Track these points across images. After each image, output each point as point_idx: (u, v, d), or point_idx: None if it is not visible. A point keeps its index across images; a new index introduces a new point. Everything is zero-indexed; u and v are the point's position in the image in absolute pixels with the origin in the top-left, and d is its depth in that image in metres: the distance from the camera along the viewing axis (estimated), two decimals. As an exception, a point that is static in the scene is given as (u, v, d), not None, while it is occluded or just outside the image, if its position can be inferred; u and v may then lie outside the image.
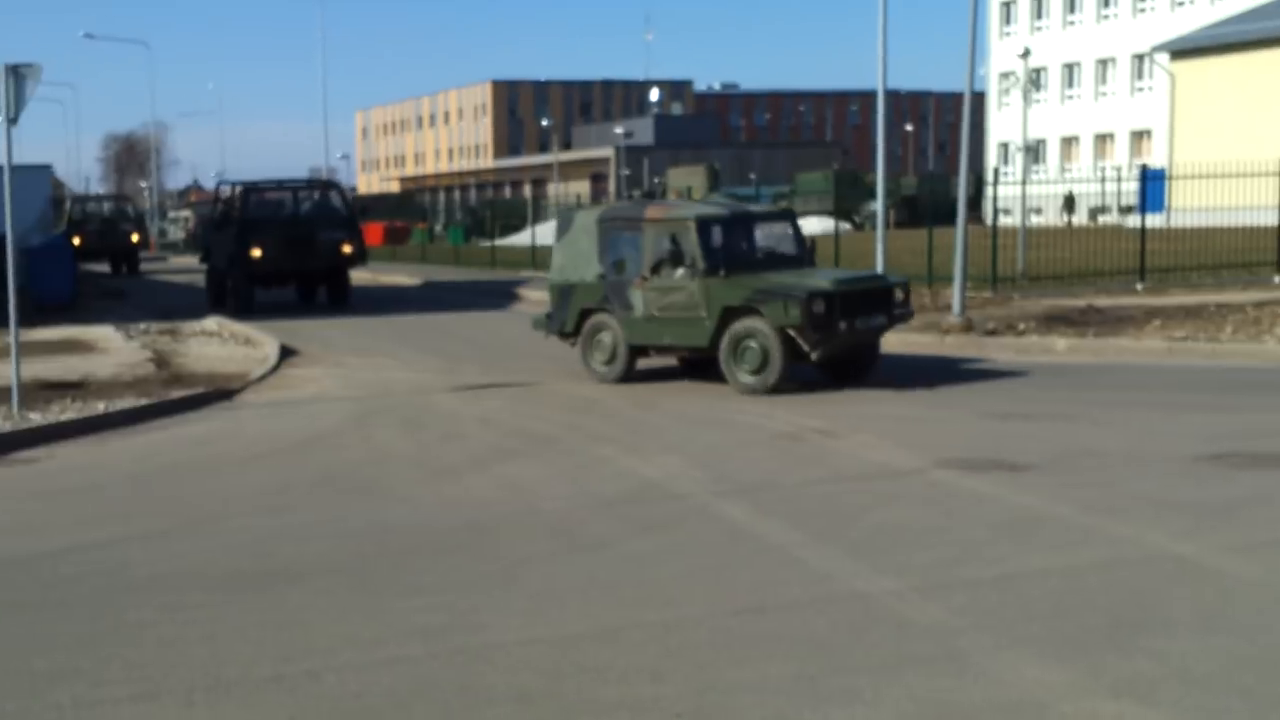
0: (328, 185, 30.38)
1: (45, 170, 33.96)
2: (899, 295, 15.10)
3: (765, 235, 15.73)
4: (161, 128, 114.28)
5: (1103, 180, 31.82)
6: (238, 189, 28.15)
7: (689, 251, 14.75)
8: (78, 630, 6.96)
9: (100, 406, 13.76)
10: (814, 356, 14.26)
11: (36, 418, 13.13)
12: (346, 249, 26.90)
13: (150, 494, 10.50)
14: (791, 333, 14.03)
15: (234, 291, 26.52)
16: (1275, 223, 25.22)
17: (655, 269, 15.08)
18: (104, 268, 45.50)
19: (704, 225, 14.93)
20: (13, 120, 13.90)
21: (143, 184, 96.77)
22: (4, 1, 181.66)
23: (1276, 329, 17.27)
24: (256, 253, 25.95)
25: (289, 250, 26.29)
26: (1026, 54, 34.93)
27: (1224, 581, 7.09)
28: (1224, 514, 8.56)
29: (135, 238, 45.37)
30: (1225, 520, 8.40)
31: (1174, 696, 5.50)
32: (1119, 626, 6.41)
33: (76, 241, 39.98)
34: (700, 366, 15.66)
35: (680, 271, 14.83)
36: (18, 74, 13.86)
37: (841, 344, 14.55)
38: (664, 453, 11.35)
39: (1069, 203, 47.94)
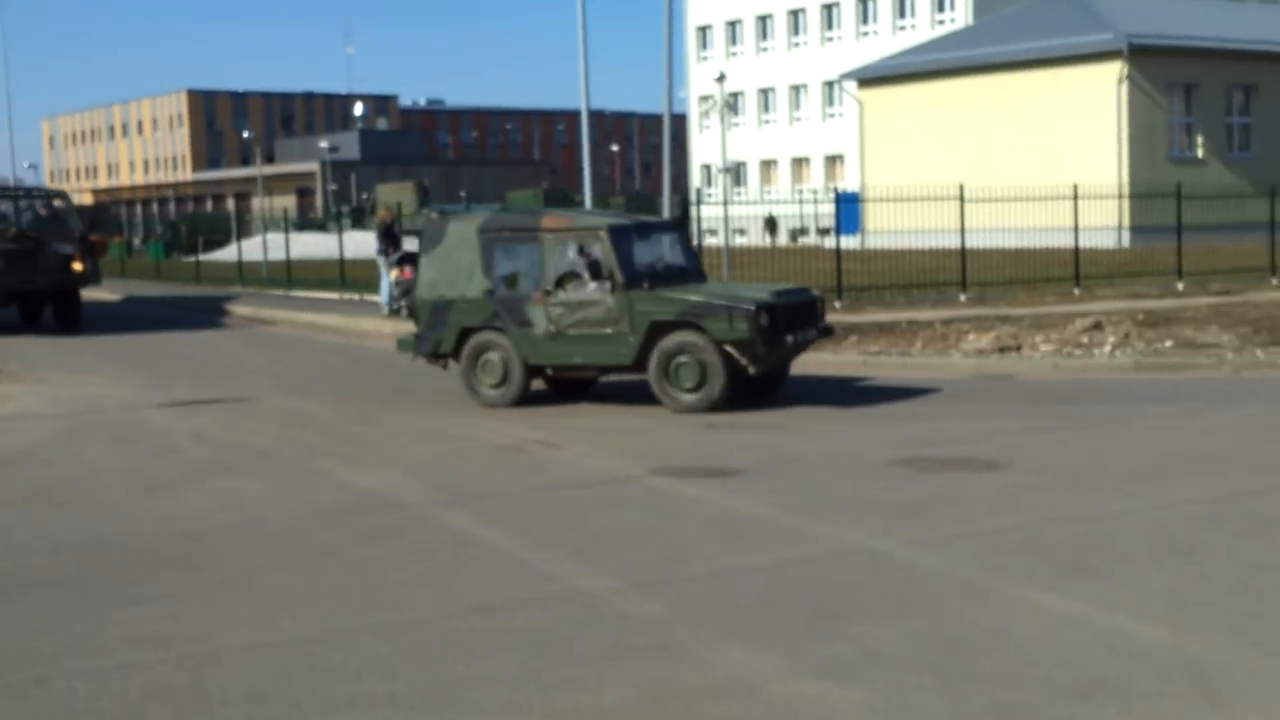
0: (54, 194, 27.77)
1: None
2: (820, 309, 14.96)
3: (662, 247, 15.12)
4: None
5: (800, 202, 33.29)
6: None
7: (605, 263, 14.03)
8: None
9: None
10: (753, 371, 13.82)
11: None
12: (78, 266, 24.18)
13: None
14: (730, 348, 13.60)
15: None
16: (959, 245, 26.89)
17: (559, 282, 14.33)
18: None
19: (618, 235, 14.22)
20: None
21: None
22: None
23: (962, 344, 18.50)
24: None
25: (10, 267, 23.55)
26: (722, 78, 36.26)
27: (913, 572, 7.70)
28: (912, 512, 9.25)
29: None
30: (913, 518, 9.09)
31: (870, 676, 6.00)
32: (820, 615, 6.91)
33: None
34: (578, 386, 15.34)
35: (593, 285, 14.12)
36: None
37: (779, 358, 14.29)
38: (384, 465, 11.48)
39: (770, 224, 49.79)
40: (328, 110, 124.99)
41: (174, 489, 10.72)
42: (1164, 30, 44.91)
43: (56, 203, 26.24)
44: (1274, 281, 28.58)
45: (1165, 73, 43.87)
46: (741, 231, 50.04)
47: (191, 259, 46.78)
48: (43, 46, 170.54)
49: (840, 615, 6.89)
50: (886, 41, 61.23)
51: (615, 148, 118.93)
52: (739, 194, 67.70)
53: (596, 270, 14.04)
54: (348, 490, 10.50)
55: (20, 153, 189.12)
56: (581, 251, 14.22)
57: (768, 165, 70.50)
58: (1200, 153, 44.64)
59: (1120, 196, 35.18)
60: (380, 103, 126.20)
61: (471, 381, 14.89)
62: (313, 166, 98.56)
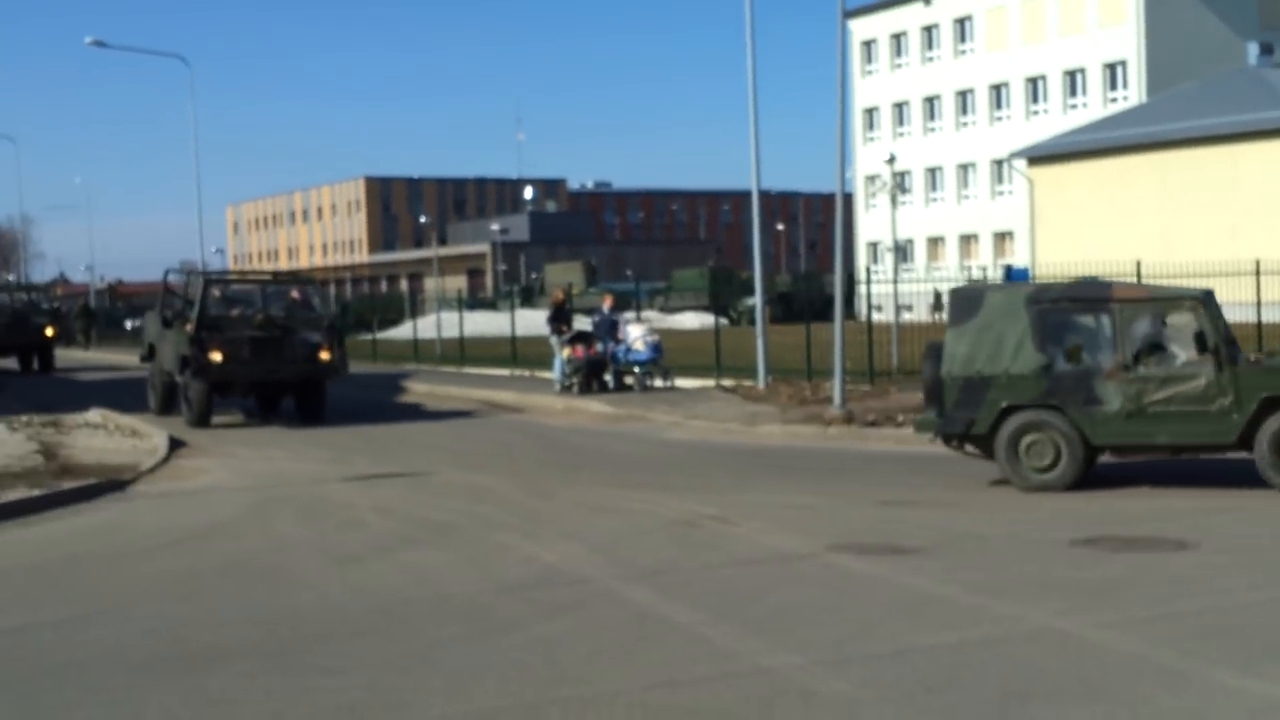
0: (303, 280, 27.52)
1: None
2: None
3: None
4: (27, 221, 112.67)
5: (969, 280, 33.08)
6: (194, 280, 24.70)
7: (1208, 335, 13.05)
8: (2, 714, 7.04)
9: (-10, 498, 13.68)
10: None
11: (-73, 509, 13.05)
12: (325, 355, 22.63)
13: (56, 582, 10.51)
14: None
15: (189, 399, 22.46)
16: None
17: (1138, 356, 13.35)
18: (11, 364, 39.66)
19: (1210, 305, 13.27)
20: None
21: (9, 277, 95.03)
22: None
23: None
24: (218, 356, 22.02)
25: (256, 355, 22.34)
26: (892, 159, 36.24)
27: (1104, 654, 7.56)
28: (1100, 593, 9.08)
29: (50, 332, 38.87)
30: (1101, 598, 8.92)
31: (1065, 757, 5.92)
32: (1010, 697, 6.83)
33: None
34: None
35: (1184, 357, 13.31)
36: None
37: None
38: (563, 539, 11.63)
39: (938, 300, 49.10)
40: (499, 194, 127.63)
41: (361, 561, 11.00)
42: (1346, 103, 43.76)
43: (307, 289, 25.21)
44: None
45: (1348, 146, 42.70)
46: (908, 307, 49.71)
47: (368, 337, 47.96)
48: (228, 137, 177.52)
49: (1030, 698, 6.80)
50: (1056, 120, 60.54)
51: (780, 226, 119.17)
52: (906, 270, 67.29)
53: (1201, 342, 13.09)
54: (529, 564, 10.66)
55: (206, 237, 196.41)
56: (1162, 323, 13.41)
57: (935, 242, 70.04)
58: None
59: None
60: (549, 186, 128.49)
61: (1012, 465, 13.71)
62: (483, 248, 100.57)
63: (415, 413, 25.10)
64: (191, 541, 12.16)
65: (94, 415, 23.10)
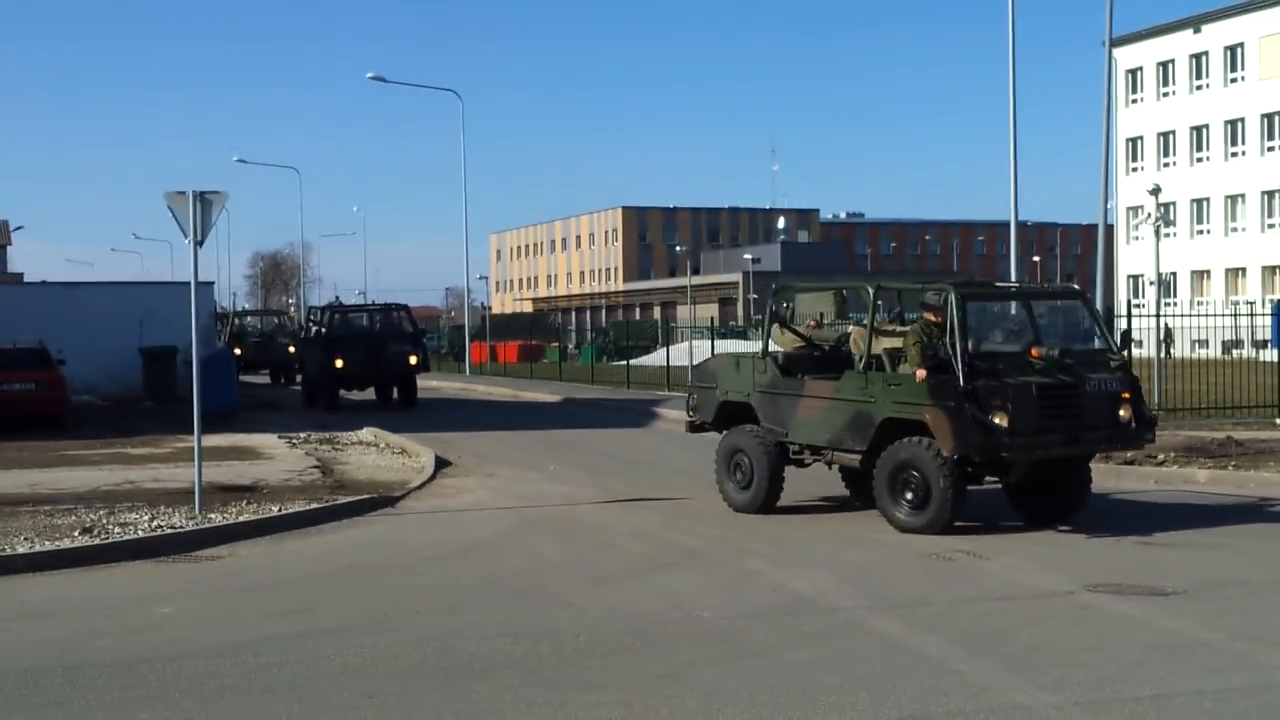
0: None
1: (209, 287, 35.77)
2: None
3: None
4: (306, 247, 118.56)
5: (1235, 315, 31.79)
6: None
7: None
8: (287, 711, 7.56)
9: (274, 509, 14.54)
10: None
11: (216, 518, 13.92)
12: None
13: (330, 592, 11.14)
14: None
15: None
16: None
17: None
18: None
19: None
20: (200, 242, 14.89)
21: (288, 300, 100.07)
22: (166, 128, 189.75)
23: None
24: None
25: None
26: (1157, 191, 35.06)
27: (1377, 707, 7.31)
28: (1374, 644, 8.75)
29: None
30: (1376, 650, 8.59)
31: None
32: (1274, 745, 6.68)
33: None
34: None
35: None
36: (204, 200, 14.83)
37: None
38: (813, 568, 11.74)
39: (1168, 335, 46.36)
40: (752, 223, 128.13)
41: (616, 583, 11.32)
42: None
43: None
44: None
45: None
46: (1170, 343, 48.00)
47: (621, 363, 48.85)
48: (494, 168, 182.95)
49: (1296, 747, 6.64)
50: (1335, 147, 57.81)
51: (1036, 259, 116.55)
52: (1170, 305, 65.01)
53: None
54: (779, 591, 10.81)
55: (471, 265, 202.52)
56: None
57: (1200, 276, 67.51)
58: None
59: None
60: (802, 216, 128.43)
61: None
62: (735, 277, 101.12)
63: (667, 439, 25.46)
64: (455, 558, 12.70)
65: (366, 433, 24.25)
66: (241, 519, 13.95)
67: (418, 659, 8.72)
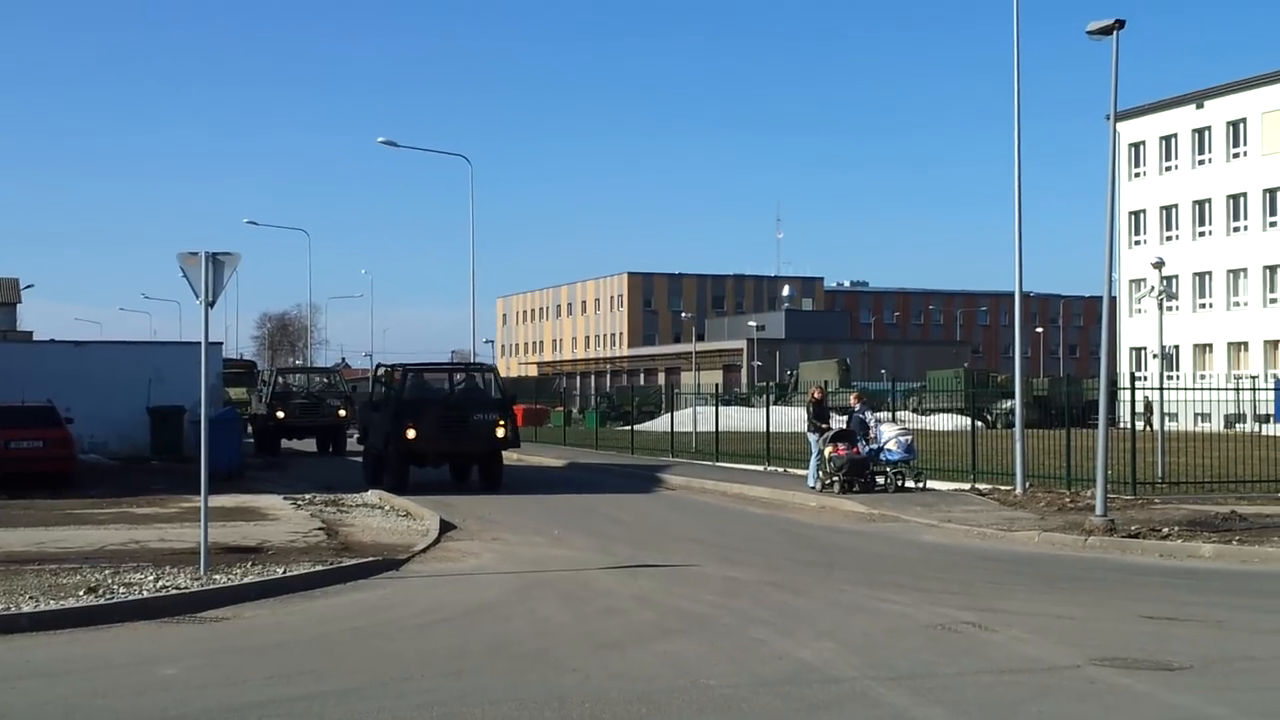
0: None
1: (218, 347, 35.78)
2: None
3: None
4: (314, 309, 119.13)
5: (1238, 389, 31.93)
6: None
7: None
8: (295, 773, 7.55)
9: (279, 571, 14.55)
10: None
11: (221, 579, 13.93)
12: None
13: (335, 654, 11.13)
14: None
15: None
16: None
17: None
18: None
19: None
20: (211, 303, 15.00)
21: (294, 361, 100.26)
22: (175, 189, 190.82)
23: None
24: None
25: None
26: (1160, 264, 35.29)
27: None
28: (1381, 721, 8.75)
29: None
30: (1383, 727, 8.59)
31: None
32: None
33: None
34: None
35: None
36: (216, 261, 14.95)
37: None
38: (818, 637, 11.72)
39: (1148, 407, 45.90)
40: (756, 291, 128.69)
41: (622, 648, 11.31)
42: None
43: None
44: None
45: None
46: (1171, 416, 48.11)
47: (624, 427, 48.89)
48: (501, 234, 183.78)
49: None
50: (1337, 225, 58.06)
51: (1039, 329, 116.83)
52: (1172, 378, 65.09)
53: None
54: (784, 660, 10.80)
55: (478, 329, 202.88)
56: None
57: (1201, 349, 67.67)
58: None
59: None
60: (807, 284, 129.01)
61: None
62: (740, 344, 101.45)
63: (673, 503, 25.52)
64: (461, 621, 12.69)
65: (371, 496, 24.29)
66: (246, 580, 13.96)
67: (424, 723, 8.72)
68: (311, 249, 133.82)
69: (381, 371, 30.33)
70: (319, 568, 14.90)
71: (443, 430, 26.58)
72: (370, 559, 15.84)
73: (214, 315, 15.37)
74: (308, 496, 23.75)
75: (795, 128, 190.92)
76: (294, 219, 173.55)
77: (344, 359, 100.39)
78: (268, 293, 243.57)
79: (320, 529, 18.58)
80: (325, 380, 45.39)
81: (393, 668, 10.51)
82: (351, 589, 14.41)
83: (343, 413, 40.98)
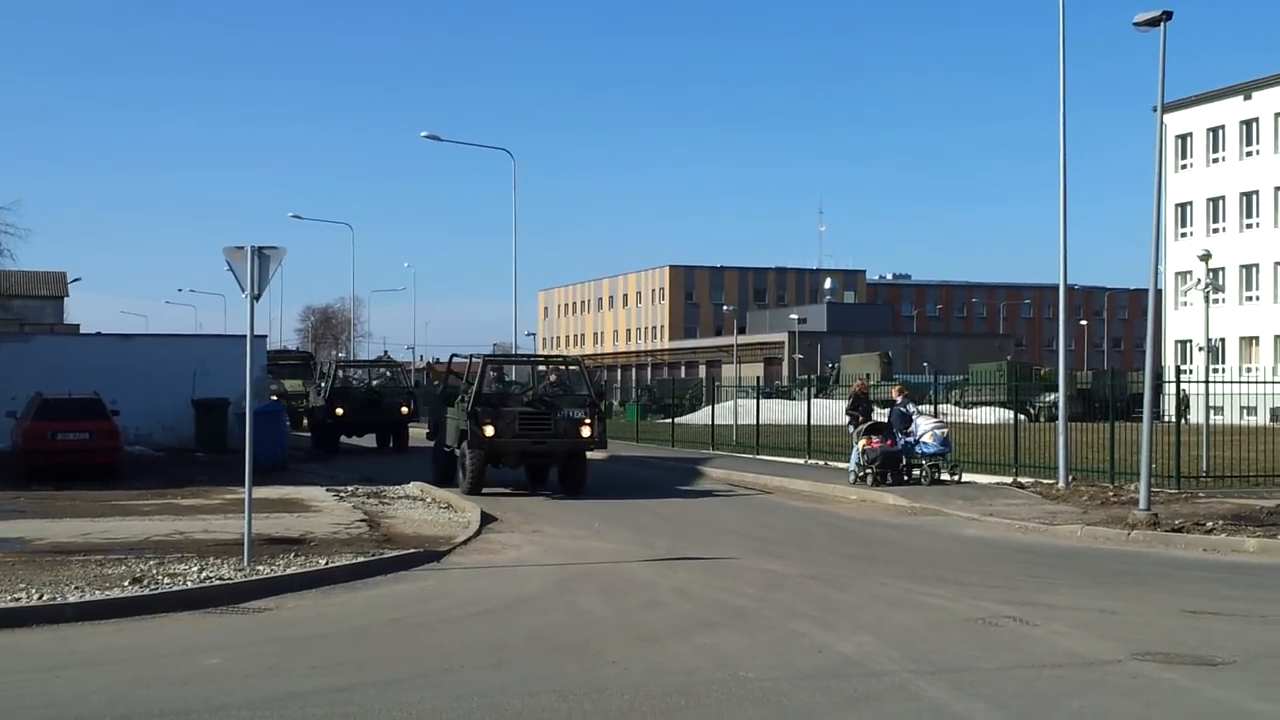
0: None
1: (262, 340, 35.89)
2: None
3: None
4: (357, 302, 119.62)
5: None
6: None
7: None
8: (336, 763, 7.60)
9: (321, 562, 14.66)
10: None
11: (265, 570, 14.04)
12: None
13: (377, 645, 11.20)
14: None
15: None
16: None
17: None
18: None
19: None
20: (256, 297, 15.11)
21: (337, 354, 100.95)
22: (221, 183, 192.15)
23: None
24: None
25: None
26: (1207, 256, 34.97)
27: None
28: None
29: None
30: None
31: None
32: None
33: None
34: None
35: None
36: (261, 255, 15.06)
37: None
38: (858, 631, 11.71)
39: (1185, 403, 44.84)
40: (798, 284, 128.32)
41: (661, 641, 11.33)
42: None
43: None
44: None
45: None
46: (1217, 410, 47.68)
47: (665, 420, 48.86)
48: (543, 226, 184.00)
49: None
50: (1387, 214, 57.36)
51: (1084, 322, 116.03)
52: (1218, 371, 64.51)
53: None
54: (824, 653, 10.79)
55: (519, 322, 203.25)
56: None
57: (1248, 342, 67.04)
58: None
59: None
60: (849, 277, 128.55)
61: None
62: (781, 337, 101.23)
63: (713, 497, 25.51)
64: (501, 613, 12.75)
65: (413, 488, 24.39)
66: (289, 571, 14.07)
67: (463, 714, 8.77)
68: (355, 243, 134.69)
69: (458, 363, 28.58)
70: (361, 559, 15.00)
71: (525, 428, 24.24)
72: (411, 551, 15.93)
73: (259, 308, 15.48)
74: (350, 488, 23.90)
75: (839, 122, 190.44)
76: (339, 213, 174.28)
77: (386, 352, 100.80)
78: (312, 286, 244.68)
79: (362, 520, 18.70)
80: (387, 374, 43.21)
81: (433, 659, 10.57)
82: (393, 580, 14.50)
83: (405, 410, 38.94)
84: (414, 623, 12.20)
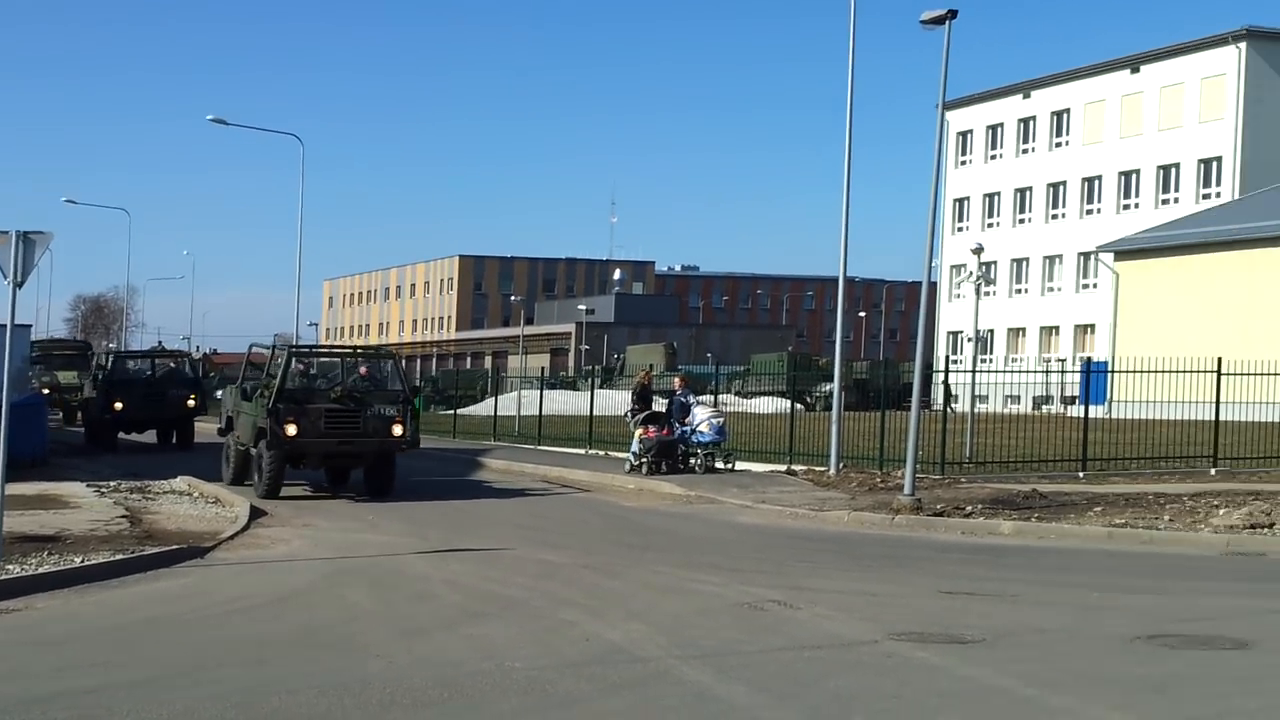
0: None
1: (25, 330, 34.01)
2: None
3: None
4: (131, 291, 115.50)
5: (1047, 371, 33.02)
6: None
7: None
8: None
9: (77, 560, 14.10)
10: None
11: (15, 569, 13.45)
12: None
13: (131, 645, 10.84)
14: None
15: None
16: (1212, 417, 26.20)
17: None
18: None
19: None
20: (19, 284, 14.48)
21: (108, 345, 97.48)
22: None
23: (1211, 519, 18.00)
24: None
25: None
26: (979, 250, 36.25)
27: (1155, 749, 7.60)
28: (1157, 690, 9.10)
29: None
30: (1158, 695, 8.94)
31: None
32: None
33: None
34: None
35: None
36: (27, 239, 14.44)
37: None
38: (628, 619, 11.77)
39: (947, 393, 46.58)
40: (588, 274, 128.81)
41: (429, 633, 11.23)
42: None
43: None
44: None
45: None
46: (983, 398, 49.48)
47: (448, 412, 48.48)
48: (329, 214, 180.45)
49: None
50: (1148, 215, 60.12)
51: (863, 314, 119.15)
52: (986, 361, 66.95)
53: None
54: (592, 642, 10.82)
55: (302, 311, 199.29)
56: None
57: (1016, 333, 69.73)
58: None
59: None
60: (638, 268, 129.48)
61: None
62: (569, 328, 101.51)
63: (491, 489, 25.40)
64: (266, 609, 12.47)
65: (180, 483, 23.65)
66: (41, 570, 13.49)
67: (218, 714, 8.54)
68: (132, 229, 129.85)
69: (258, 353, 26.37)
70: (119, 556, 14.47)
71: (331, 427, 22.13)
72: (174, 547, 15.44)
73: (24, 296, 14.83)
74: (113, 484, 23.03)
75: (630, 111, 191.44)
76: (115, 198, 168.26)
77: (160, 341, 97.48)
78: (85, 274, 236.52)
79: (123, 517, 18.06)
80: (170, 364, 39.12)
81: (190, 657, 10.27)
82: (152, 578, 14.03)
83: (191, 403, 35.53)
84: (173, 621, 11.84)
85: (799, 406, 34.48)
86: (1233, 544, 16.55)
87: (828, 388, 42.04)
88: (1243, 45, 58.70)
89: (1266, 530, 17.14)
